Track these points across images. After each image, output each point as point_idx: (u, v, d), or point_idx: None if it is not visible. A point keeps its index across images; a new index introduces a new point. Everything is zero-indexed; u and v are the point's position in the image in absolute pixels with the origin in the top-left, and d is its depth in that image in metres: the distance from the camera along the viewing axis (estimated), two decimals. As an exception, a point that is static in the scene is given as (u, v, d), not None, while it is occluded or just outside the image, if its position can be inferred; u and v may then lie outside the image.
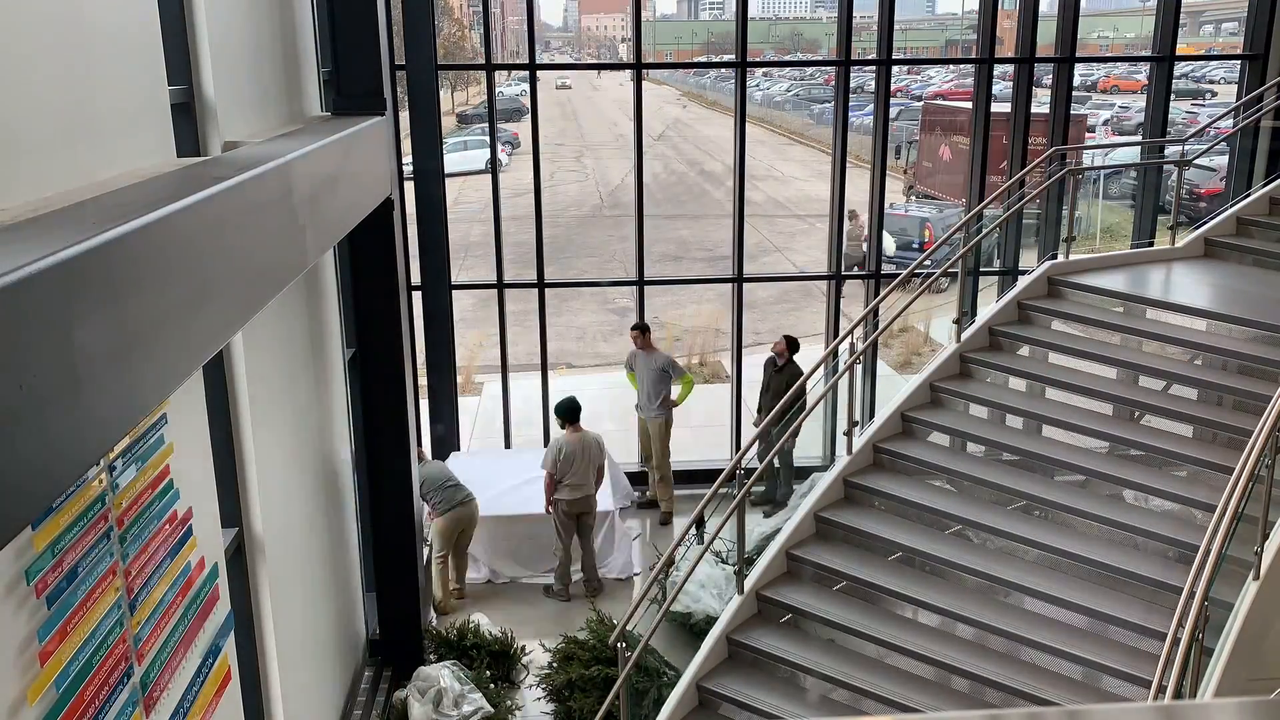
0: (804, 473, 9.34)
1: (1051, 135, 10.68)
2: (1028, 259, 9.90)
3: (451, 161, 14.84)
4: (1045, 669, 6.09)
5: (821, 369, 7.51)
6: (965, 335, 7.90)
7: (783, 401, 7.32)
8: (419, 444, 9.06)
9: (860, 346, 7.98)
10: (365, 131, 6.18)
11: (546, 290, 10.82)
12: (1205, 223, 8.92)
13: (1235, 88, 11.46)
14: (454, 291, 10.67)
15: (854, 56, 10.67)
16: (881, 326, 8.13)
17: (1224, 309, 7.81)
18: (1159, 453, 6.99)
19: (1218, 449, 6.90)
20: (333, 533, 7.10)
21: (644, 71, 10.67)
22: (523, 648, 8.13)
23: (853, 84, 11.33)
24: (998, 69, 10.78)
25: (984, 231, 8.83)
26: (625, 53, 35.21)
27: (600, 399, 12.44)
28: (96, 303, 2.46)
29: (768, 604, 6.72)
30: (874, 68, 10.72)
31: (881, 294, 7.97)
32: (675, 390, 10.08)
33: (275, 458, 5.65)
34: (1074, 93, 10.87)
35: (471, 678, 7.46)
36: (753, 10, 10.95)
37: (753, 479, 6.93)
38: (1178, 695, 4.62)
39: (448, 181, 10.96)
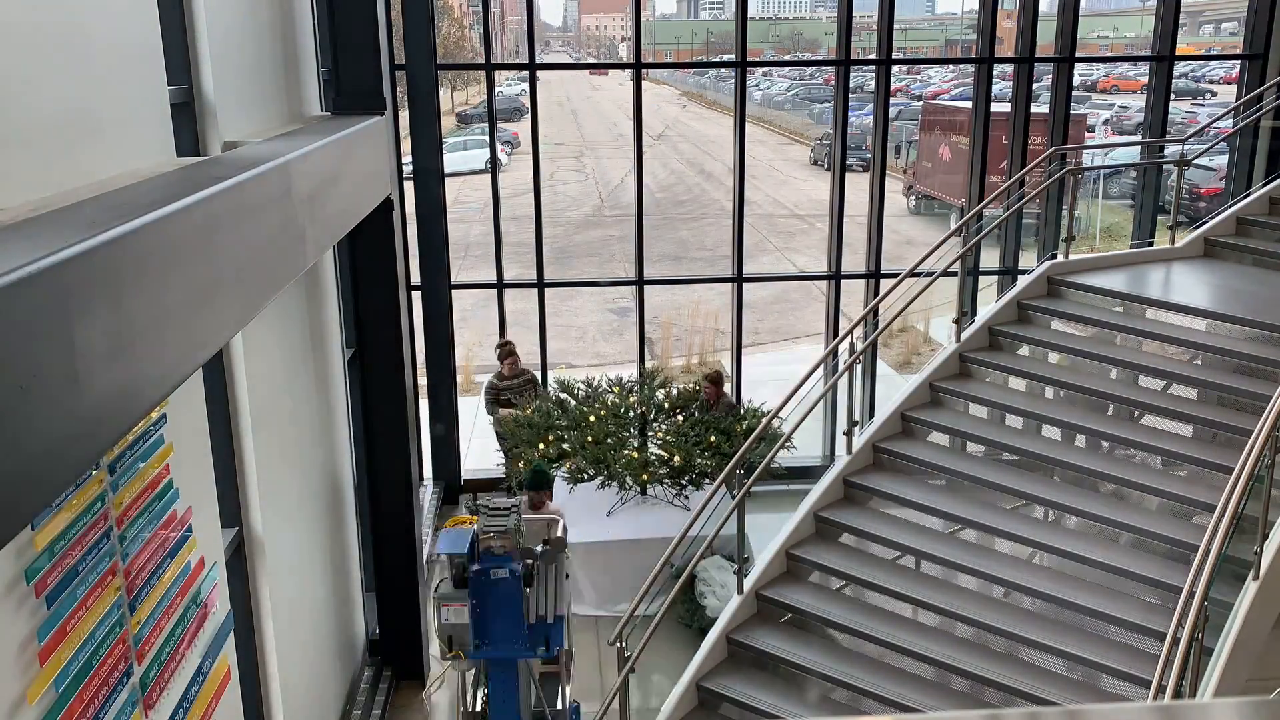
0: (805, 473, 9.33)
1: (1051, 135, 10.68)
2: (1027, 259, 9.90)
3: (451, 161, 14.84)
4: (1045, 669, 6.10)
5: (821, 368, 7.51)
6: (965, 335, 7.91)
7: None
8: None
9: (860, 346, 7.98)
10: (365, 131, 6.18)
11: (546, 290, 10.82)
12: (1205, 222, 8.92)
13: (1235, 88, 11.47)
14: (454, 291, 10.68)
15: (854, 56, 10.67)
16: (881, 326, 8.13)
17: (1224, 309, 7.81)
18: (1159, 453, 6.99)
19: (1218, 449, 6.90)
20: (333, 533, 7.10)
21: (644, 71, 10.67)
22: None
23: (852, 84, 11.33)
24: (997, 69, 10.79)
25: (984, 231, 8.83)
26: (625, 52, 35.21)
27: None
28: (96, 303, 2.46)
29: (767, 604, 6.72)
30: (874, 67, 10.73)
31: (881, 294, 7.97)
32: None
33: (275, 458, 5.65)
34: (1074, 92, 10.87)
35: None
36: (752, 10, 10.95)
37: (753, 478, 6.93)
38: (1178, 695, 4.62)
39: (447, 181, 10.96)
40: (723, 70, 33.35)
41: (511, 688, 6.14)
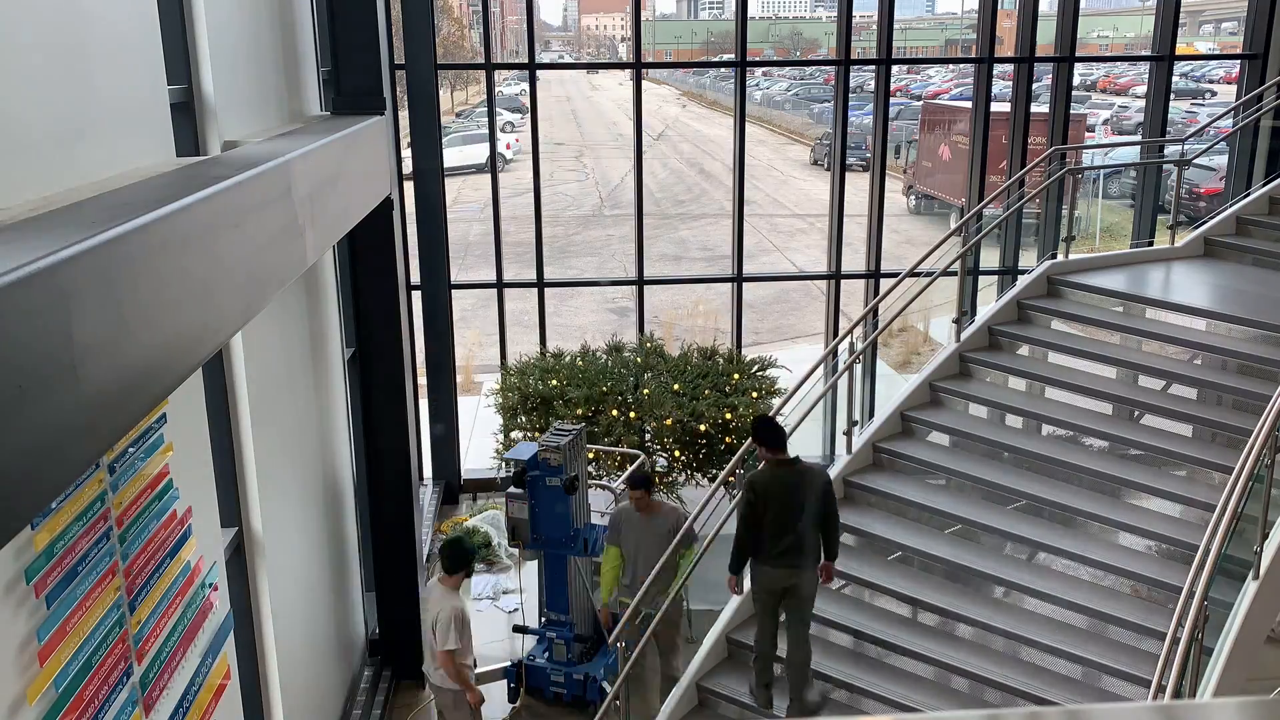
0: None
1: (1051, 135, 10.68)
2: (1027, 259, 9.90)
3: (450, 157, 14.82)
4: (1045, 669, 6.09)
5: (821, 368, 7.51)
6: (965, 335, 7.90)
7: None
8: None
9: (860, 346, 7.98)
10: (365, 131, 6.18)
11: (546, 290, 10.82)
12: (1205, 222, 8.92)
13: (1235, 88, 11.46)
14: (454, 291, 10.68)
15: (854, 56, 10.67)
16: (881, 326, 8.13)
17: (1224, 309, 7.81)
18: (1159, 453, 6.99)
19: (1218, 449, 6.90)
20: (333, 533, 7.09)
21: (643, 71, 10.67)
22: None
23: (852, 84, 11.34)
24: (997, 69, 10.79)
25: (984, 231, 8.83)
26: (625, 52, 35.19)
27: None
28: (96, 302, 2.46)
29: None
30: (874, 67, 10.73)
31: (881, 294, 7.96)
32: None
33: (275, 458, 5.65)
34: (1074, 92, 10.88)
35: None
36: (752, 9, 10.95)
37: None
38: (1178, 695, 4.62)
39: (447, 181, 10.97)
40: (722, 70, 33.34)
41: (561, 579, 7.66)
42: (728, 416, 8.91)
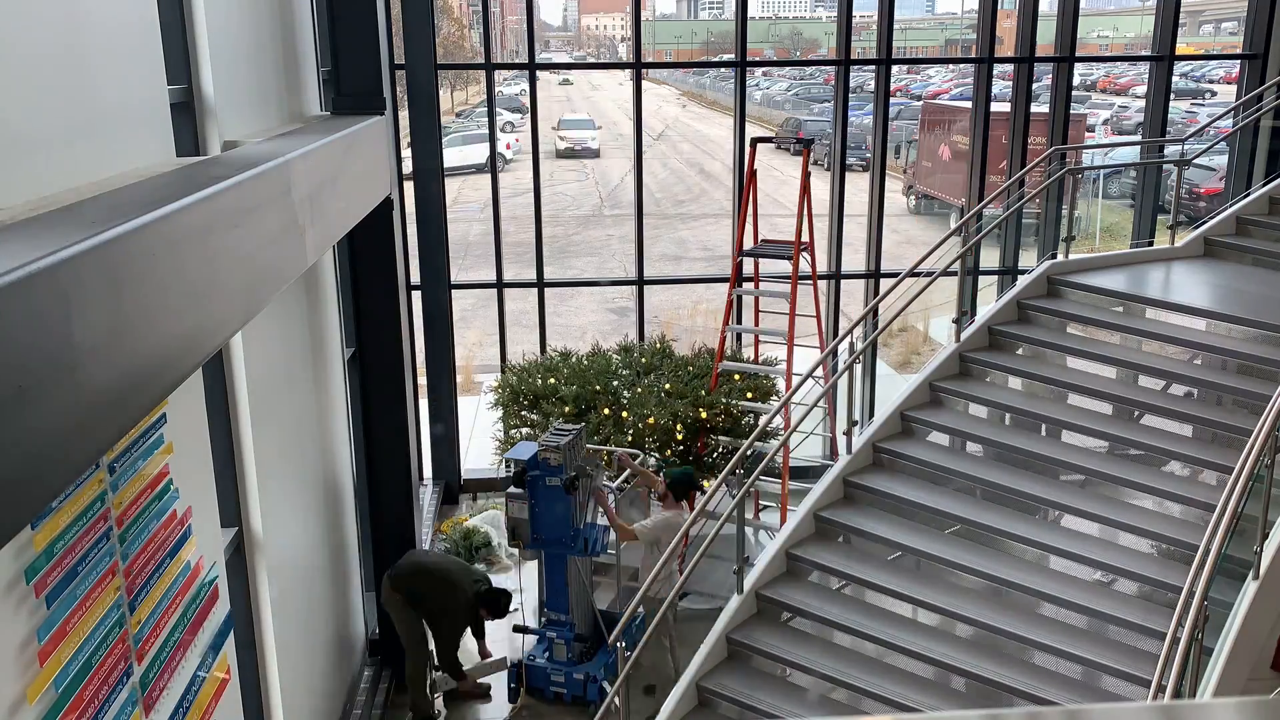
0: (804, 473, 9.34)
1: (1051, 135, 10.68)
2: (1027, 259, 9.90)
3: (450, 157, 14.82)
4: (1045, 669, 6.09)
5: (821, 368, 7.51)
6: (965, 335, 7.90)
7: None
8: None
9: (860, 346, 7.97)
10: (365, 131, 6.18)
11: (546, 290, 10.82)
12: (1205, 222, 8.92)
13: (1235, 88, 11.47)
14: (453, 291, 10.67)
15: (854, 56, 10.67)
16: (881, 326, 8.13)
17: (1224, 309, 7.81)
18: (1159, 453, 6.99)
19: (1218, 449, 6.90)
20: (332, 533, 7.09)
21: (643, 71, 10.66)
22: None
23: (852, 84, 11.34)
24: (997, 69, 10.79)
25: (984, 231, 8.83)
26: (625, 52, 35.18)
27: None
28: (96, 302, 2.46)
29: (768, 603, 6.72)
30: (874, 67, 10.73)
31: (881, 294, 7.96)
32: None
33: (275, 458, 5.65)
34: (1074, 92, 10.88)
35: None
36: (752, 10, 10.95)
37: (753, 478, 6.93)
38: (1177, 695, 4.62)
39: (447, 181, 10.97)
40: (722, 70, 33.33)
41: (561, 579, 7.70)
42: (703, 415, 8.89)
